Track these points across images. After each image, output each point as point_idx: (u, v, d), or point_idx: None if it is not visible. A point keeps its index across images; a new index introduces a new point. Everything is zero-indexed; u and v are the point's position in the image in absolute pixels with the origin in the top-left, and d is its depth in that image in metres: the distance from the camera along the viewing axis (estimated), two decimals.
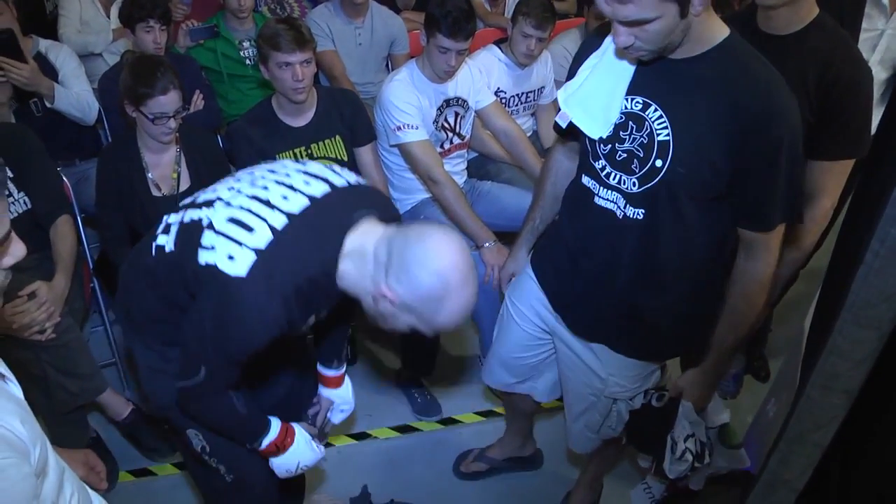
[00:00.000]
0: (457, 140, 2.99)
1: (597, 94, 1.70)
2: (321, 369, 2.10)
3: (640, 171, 1.65)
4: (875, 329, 1.19)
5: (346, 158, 2.81)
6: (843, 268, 1.29)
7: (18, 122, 2.99)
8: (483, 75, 3.05)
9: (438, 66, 2.74)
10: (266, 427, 1.76)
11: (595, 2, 1.51)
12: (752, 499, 1.53)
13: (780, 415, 2.11)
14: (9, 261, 0.99)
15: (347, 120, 2.80)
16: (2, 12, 2.94)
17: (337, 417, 2.17)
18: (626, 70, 1.65)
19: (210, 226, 1.51)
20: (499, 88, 3.22)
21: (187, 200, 1.69)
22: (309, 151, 2.74)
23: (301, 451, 1.84)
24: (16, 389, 1.17)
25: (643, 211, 1.69)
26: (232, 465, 1.90)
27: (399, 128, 2.72)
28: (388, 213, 1.65)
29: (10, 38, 2.84)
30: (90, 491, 1.38)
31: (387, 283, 1.45)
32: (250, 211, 1.51)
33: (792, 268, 2.14)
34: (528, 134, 3.33)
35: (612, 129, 1.68)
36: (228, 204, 1.55)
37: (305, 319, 1.61)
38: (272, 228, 1.47)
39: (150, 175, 2.57)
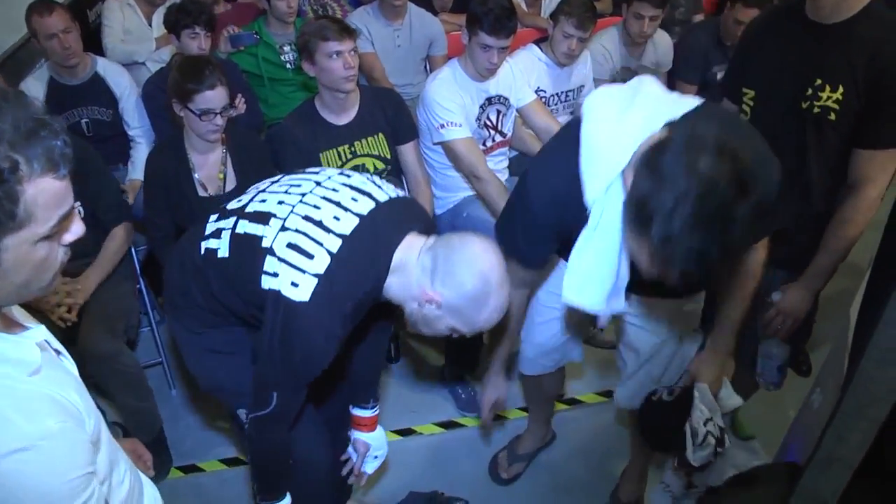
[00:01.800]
0: (499, 138, 3.02)
1: (605, 278, 1.60)
2: (354, 411, 2.17)
3: None
4: None
5: (388, 155, 2.86)
6: None
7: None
8: (523, 74, 3.08)
9: (480, 64, 2.77)
10: (283, 495, 1.92)
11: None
12: (806, 479, 1.53)
13: (826, 403, 2.09)
14: (69, 237, 1.04)
15: (390, 118, 2.84)
16: (70, 30, 3.09)
17: (370, 466, 2.24)
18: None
19: (271, 251, 1.60)
20: (539, 88, 3.24)
21: (234, 204, 1.78)
22: (353, 149, 2.78)
23: None
24: (70, 366, 1.22)
25: None
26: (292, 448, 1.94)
27: (442, 125, 2.76)
28: (427, 224, 1.77)
29: None
30: (142, 475, 1.43)
31: (433, 288, 1.58)
32: (307, 235, 1.60)
33: (835, 256, 2.14)
34: None
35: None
36: (284, 226, 1.63)
37: (349, 331, 1.69)
38: (329, 252, 1.58)
39: (196, 175, 2.62)
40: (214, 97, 2.45)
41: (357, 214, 1.63)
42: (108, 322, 2.60)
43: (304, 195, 1.69)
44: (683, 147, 1.21)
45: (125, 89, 3.33)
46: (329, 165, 2.76)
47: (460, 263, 1.56)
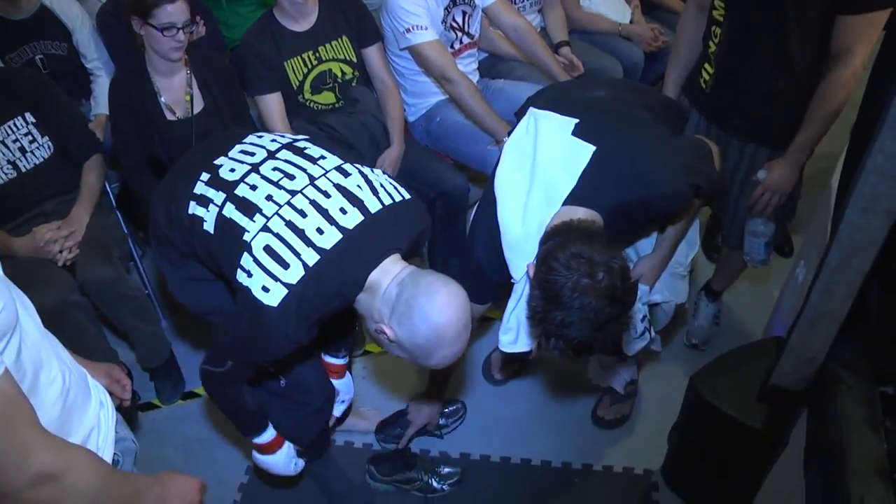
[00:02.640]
0: (466, 39, 2.95)
1: None
2: (326, 358, 2.19)
3: None
4: None
5: (355, 59, 2.80)
6: (883, 85, 1.29)
7: None
8: None
9: None
10: (263, 428, 1.96)
11: None
12: (794, 339, 1.56)
13: (811, 275, 2.13)
14: None
15: (352, 20, 2.77)
16: None
17: (338, 409, 2.28)
18: None
19: (249, 248, 1.59)
20: None
21: (226, 173, 1.73)
22: (317, 55, 2.72)
23: (278, 461, 2.04)
24: None
25: None
26: (281, 369, 2.00)
27: (408, 30, 2.69)
28: (417, 237, 1.76)
29: None
30: (97, 388, 1.43)
31: (388, 323, 1.59)
32: (286, 243, 1.58)
33: (819, 127, 2.14)
34: (537, 31, 3.28)
35: None
36: (266, 226, 1.60)
37: (314, 335, 1.70)
38: (304, 265, 1.56)
39: (162, 99, 2.56)
40: (176, 10, 2.38)
41: (342, 229, 1.59)
42: (103, 250, 2.59)
43: (294, 194, 1.64)
44: (564, 270, 1.50)
45: (76, 20, 3.16)
46: (295, 74, 2.72)
47: (419, 311, 1.54)
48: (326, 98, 2.80)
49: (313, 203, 1.62)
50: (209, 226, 1.68)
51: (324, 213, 1.61)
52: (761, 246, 2.40)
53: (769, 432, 1.90)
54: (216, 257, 1.70)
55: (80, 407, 1.32)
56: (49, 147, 2.64)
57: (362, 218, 1.62)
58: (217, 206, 1.68)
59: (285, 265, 1.55)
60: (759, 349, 2.22)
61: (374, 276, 1.61)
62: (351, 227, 1.60)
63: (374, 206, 1.65)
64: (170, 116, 2.57)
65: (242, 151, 1.78)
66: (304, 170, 1.70)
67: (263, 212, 1.62)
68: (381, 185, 1.71)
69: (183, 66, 2.57)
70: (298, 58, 2.70)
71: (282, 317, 1.55)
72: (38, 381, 1.19)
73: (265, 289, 1.54)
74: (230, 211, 1.65)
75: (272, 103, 2.69)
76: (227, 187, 1.69)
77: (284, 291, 1.54)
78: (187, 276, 1.92)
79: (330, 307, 1.62)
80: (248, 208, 1.64)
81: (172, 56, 2.47)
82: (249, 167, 1.72)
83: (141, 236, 3.27)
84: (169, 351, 2.83)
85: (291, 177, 1.68)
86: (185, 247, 1.80)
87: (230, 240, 1.63)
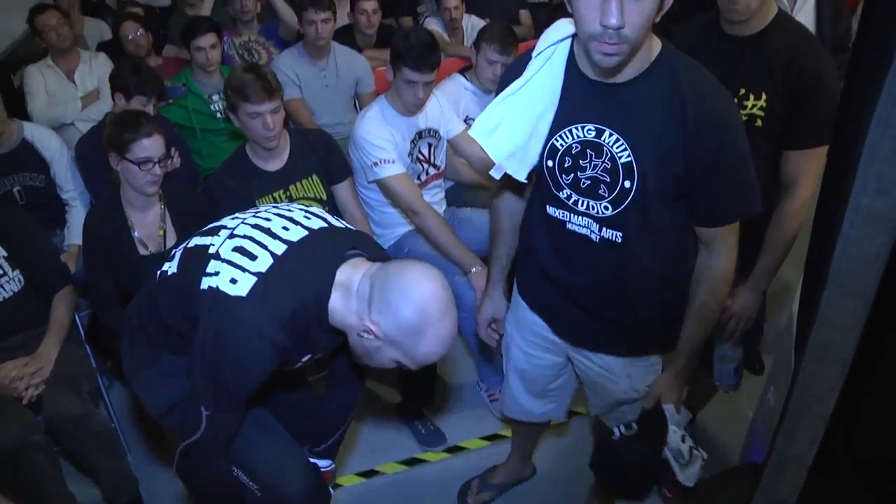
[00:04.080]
0: (433, 170, 3.04)
1: (517, 134, 1.71)
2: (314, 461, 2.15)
3: (609, 195, 1.68)
4: (859, 297, 1.22)
5: (325, 196, 2.84)
6: (824, 240, 1.33)
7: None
8: (451, 105, 3.10)
9: (407, 100, 2.79)
10: None
11: None
12: (765, 480, 1.55)
13: (780, 400, 2.14)
14: None
15: (322, 158, 2.84)
16: None
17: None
18: (549, 106, 1.66)
19: (216, 255, 1.61)
20: (468, 116, 3.27)
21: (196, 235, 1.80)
22: (288, 193, 2.77)
23: None
24: None
25: (620, 233, 1.72)
26: (257, 475, 1.90)
27: (376, 163, 2.76)
28: (377, 254, 1.72)
29: None
30: None
31: (370, 317, 1.53)
32: (253, 239, 1.62)
33: (777, 255, 2.20)
34: None
35: (569, 160, 1.70)
36: (232, 234, 1.65)
37: (300, 355, 1.68)
38: (273, 254, 1.58)
39: (136, 234, 2.58)
40: (152, 145, 2.44)
41: (307, 228, 1.65)
42: (72, 385, 2.54)
43: (258, 212, 1.74)
44: None
45: (55, 153, 3.25)
46: None
47: (395, 291, 1.50)
48: None
49: (277, 213, 1.70)
50: (174, 268, 1.71)
51: (288, 218, 1.67)
52: (731, 371, 2.43)
53: None
54: (177, 293, 1.68)
55: None
56: (20, 280, 2.63)
57: (326, 225, 1.71)
58: (181, 249, 1.74)
59: (253, 257, 1.57)
60: (735, 477, 2.20)
61: (345, 271, 1.59)
62: (315, 228, 1.67)
63: (336, 223, 1.74)
64: (142, 251, 2.59)
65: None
66: (264, 206, 1.81)
67: (228, 226, 1.69)
68: (341, 220, 1.81)
69: (157, 200, 2.60)
70: (269, 196, 2.74)
71: (252, 306, 1.51)
72: None
73: (233, 281, 1.54)
74: (194, 241, 1.71)
75: None
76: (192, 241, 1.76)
77: (253, 279, 1.53)
78: (157, 373, 1.86)
79: (302, 301, 1.56)
80: (212, 231, 1.71)
81: (148, 190, 2.51)
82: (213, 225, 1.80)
83: (109, 366, 3.23)
84: (136, 488, 2.75)
85: (255, 212, 1.77)
86: (155, 326, 1.77)
87: (193, 261, 1.65)
